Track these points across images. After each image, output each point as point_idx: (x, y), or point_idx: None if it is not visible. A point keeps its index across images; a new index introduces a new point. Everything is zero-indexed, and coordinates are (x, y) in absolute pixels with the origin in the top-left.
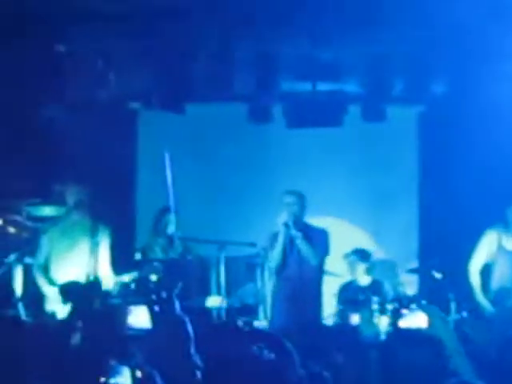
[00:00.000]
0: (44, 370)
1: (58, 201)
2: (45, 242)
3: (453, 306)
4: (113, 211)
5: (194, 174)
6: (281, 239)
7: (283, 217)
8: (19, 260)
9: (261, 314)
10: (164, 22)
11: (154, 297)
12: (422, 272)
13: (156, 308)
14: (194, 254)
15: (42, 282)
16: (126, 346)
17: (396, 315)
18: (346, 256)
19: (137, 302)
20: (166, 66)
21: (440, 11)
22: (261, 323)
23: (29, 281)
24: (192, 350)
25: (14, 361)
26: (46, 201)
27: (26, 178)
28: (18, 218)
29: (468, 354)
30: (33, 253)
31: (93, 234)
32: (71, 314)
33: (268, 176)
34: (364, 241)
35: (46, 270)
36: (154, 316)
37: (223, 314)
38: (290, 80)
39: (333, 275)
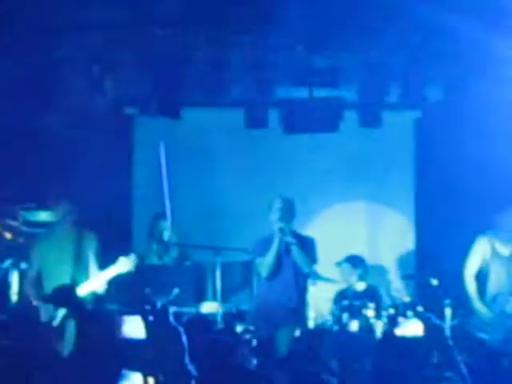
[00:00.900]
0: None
1: (54, 206)
2: (35, 255)
3: (448, 312)
4: (109, 217)
5: (189, 180)
6: (275, 245)
7: (278, 222)
8: (15, 265)
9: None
10: (160, 29)
11: (148, 307)
12: (418, 278)
13: (150, 318)
14: (191, 259)
15: (33, 296)
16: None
17: (392, 322)
18: (339, 263)
19: (131, 312)
20: (162, 71)
21: (435, 18)
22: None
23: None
24: (186, 360)
25: (10, 365)
26: (42, 206)
27: (21, 183)
28: (13, 223)
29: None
30: (28, 258)
31: (79, 242)
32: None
33: (264, 181)
34: (360, 247)
35: (37, 282)
36: (148, 326)
37: (219, 319)
38: (286, 86)
39: (329, 281)
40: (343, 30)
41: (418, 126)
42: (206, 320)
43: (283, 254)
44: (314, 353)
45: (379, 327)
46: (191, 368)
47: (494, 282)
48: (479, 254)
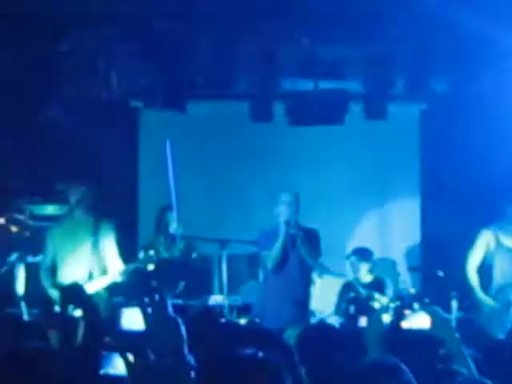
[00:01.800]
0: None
1: (61, 199)
2: (49, 244)
3: (454, 304)
4: (115, 210)
5: (195, 173)
6: (281, 237)
7: (284, 215)
8: (21, 259)
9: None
10: (165, 22)
11: (146, 299)
12: (425, 270)
13: (149, 310)
14: (197, 252)
15: (47, 284)
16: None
17: (398, 315)
18: (347, 257)
19: (130, 304)
20: (167, 64)
21: (441, 10)
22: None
23: (31, 280)
24: (185, 351)
25: (14, 360)
26: (48, 199)
27: (28, 176)
28: (20, 216)
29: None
30: (35, 252)
31: (96, 232)
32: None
33: (270, 174)
34: (366, 239)
35: (52, 272)
36: (146, 318)
37: (225, 312)
38: (291, 78)
39: (335, 274)
40: (349, 22)
41: (423, 118)
42: (213, 312)
43: (289, 246)
44: (320, 345)
45: (386, 320)
46: (190, 359)
47: (499, 274)
48: (482, 246)
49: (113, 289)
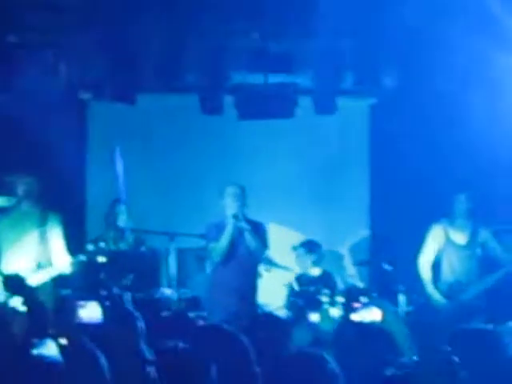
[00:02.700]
0: None
1: (9, 191)
2: None
3: (402, 298)
4: (63, 203)
5: (144, 165)
6: (229, 230)
7: (231, 208)
8: None
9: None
10: (115, 13)
11: (104, 292)
12: (372, 264)
13: (107, 303)
14: (147, 245)
15: None
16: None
17: (347, 308)
18: (294, 248)
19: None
20: (116, 56)
21: (389, 4)
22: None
23: None
24: (142, 345)
25: None
26: None
27: None
28: None
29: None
30: None
31: (42, 223)
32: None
33: (219, 167)
34: (314, 232)
35: None
36: (104, 311)
37: (173, 305)
38: (241, 72)
39: (283, 268)
40: (298, 16)
41: (373, 113)
42: (160, 305)
43: (236, 239)
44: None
45: (335, 313)
46: (147, 353)
47: (448, 270)
48: (434, 241)
49: (59, 281)
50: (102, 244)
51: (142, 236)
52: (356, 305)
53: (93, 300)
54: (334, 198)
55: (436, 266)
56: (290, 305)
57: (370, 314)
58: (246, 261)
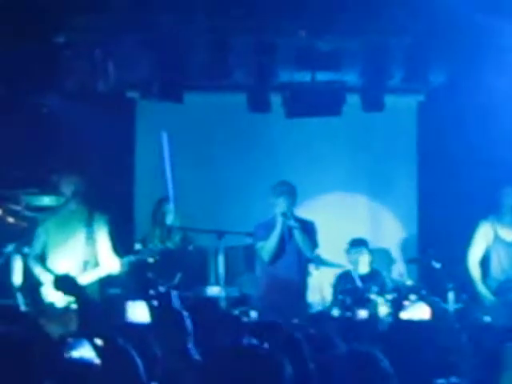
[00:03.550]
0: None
1: (57, 191)
2: (41, 232)
3: (451, 295)
4: (111, 202)
5: (192, 164)
6: (278, 229)
7: (281, 206)
8: (17, 250)
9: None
10: (163, 12)
11: (152, 292)
12: (421, 261)
13: (154, 303)
14: (194, 244)
15: (38, 271)
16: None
17: (396, 306)
18: (348, 247)
19: (135, 297)
20: (164, 55)
21: (439, 1)
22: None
23: (27, 271)
24: (190, 345)
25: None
26: (45, 190)
27: (24, 167)
28: (16, 207)
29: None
30: (31, 243)
31: (89, 223)
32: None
33: (267, 165)
34: (363, 230)
35: (42, 260)
36: (152, 311)
37: (222, 304)
38: (289, 70)
39: (332, 265)
40: (346, 13)
41: (421, 110)
42: (209, 304)
43: (285, 238)
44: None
45: (383, 311)
46: (194, 352)
47: (497, 267)
48: (482, 238)
49: (107, 281)
50: (150, 243)
51: (190, 234)
52: (405, 303)
53: (141, 299)
54: (382, 195)
55: (485, 263)
56: (339, 303)
57: (419, 312)
58: (295, 259)
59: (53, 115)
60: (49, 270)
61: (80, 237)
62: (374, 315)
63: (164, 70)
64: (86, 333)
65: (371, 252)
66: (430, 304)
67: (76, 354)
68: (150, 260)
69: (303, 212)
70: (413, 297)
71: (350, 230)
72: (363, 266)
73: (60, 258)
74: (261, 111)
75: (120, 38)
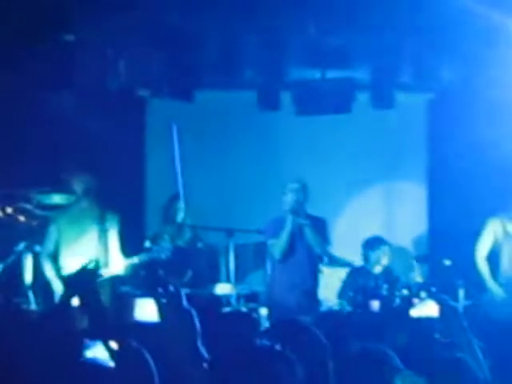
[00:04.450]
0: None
1: (68, 189)
2: (53, 230)
3: (461, 292)
4: (122, 200)
5: (203, 161)
6: (288, 226)
7: (291, 204)
8: (29, 248)
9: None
10: (173, 10)
11: (160, 290)
12: (432, 259)
13: (163, 301)
14: (204, 241)
15: (49, 269)
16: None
17: (406, 303)
18: (363, 245)
19: (144, 295)
20: (175, 53)
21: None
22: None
23: (38, 269)
24: (199, 343)
25: (20, 348)
26: (56, 189)
27: (35, 166)
28: (27, 206)
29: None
30: (42, 241)
31: (101, 222)
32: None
33: (277, 163)
34: (374, 228)
35: (54, 258)
36: (161, 309)
37: (233, 301)
38: (299, 67)
39: (344, 262)
40: (356, 11)
41: (431, 108)
42: (220, 302)
43: (296, 235)
44: (332, 334)
45: (395, 308)
46: (203, 351)
47: (507, 264)
48: (490, 235)
49: (118, 279)
50: (160, 241)
51: (200, 232)
52: (415, 300)
53: (150, 297)
54: (392, 193)
55: (494, 260)
56: (350, 299)
57: (427, 309)
58: (306, 257)
59: (64, 113)
60: (60, 268)
61: (92, 235)
62: (384, 312)
63: (174, 69)
64: (98, 332)
65: (385, 249)
66: (439, 301)
67: (90, 354)
68: (162, 257)
69: (313, 209)
70: (423, 294)
71: (360, 227)
72: (377, 264)
73: (72, 255)
74: (271, 109)
75: (131, 37)
